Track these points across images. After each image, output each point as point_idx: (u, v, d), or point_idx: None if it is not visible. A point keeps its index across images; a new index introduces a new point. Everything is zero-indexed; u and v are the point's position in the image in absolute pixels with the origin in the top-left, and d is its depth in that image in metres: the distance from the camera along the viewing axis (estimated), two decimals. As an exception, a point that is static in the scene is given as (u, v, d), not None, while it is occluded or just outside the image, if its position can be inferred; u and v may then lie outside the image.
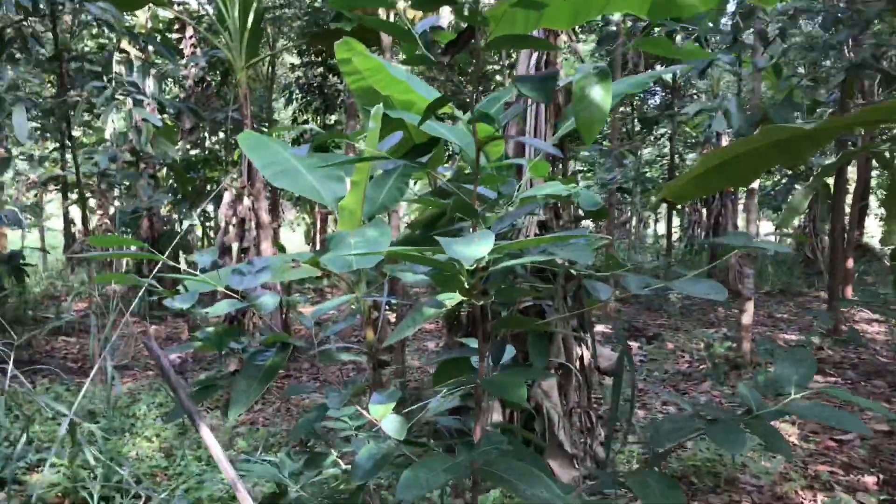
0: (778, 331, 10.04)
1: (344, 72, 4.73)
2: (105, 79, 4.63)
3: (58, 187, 11.81)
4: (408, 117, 4.30)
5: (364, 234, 3.77)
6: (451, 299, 1.82)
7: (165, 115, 11.34)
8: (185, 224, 9.57)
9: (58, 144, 11.44)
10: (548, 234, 4.51)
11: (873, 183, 18.29)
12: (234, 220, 6.88)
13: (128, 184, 9.05)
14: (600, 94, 2.20)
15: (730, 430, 1.68)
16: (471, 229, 1.88)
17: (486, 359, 1.75)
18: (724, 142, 14.37)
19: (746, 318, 7.34)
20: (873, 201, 18.46)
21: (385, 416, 1.77)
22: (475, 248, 1.18)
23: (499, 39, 1.76)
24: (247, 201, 6.77)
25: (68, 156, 8.94)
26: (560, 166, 4.91)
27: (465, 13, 1.73)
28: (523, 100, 4.58)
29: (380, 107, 4.17)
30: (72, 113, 4.85)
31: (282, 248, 6.72)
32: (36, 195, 18.75)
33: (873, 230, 22.70)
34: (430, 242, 2.55)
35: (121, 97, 4.56)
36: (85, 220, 9.14)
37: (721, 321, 10.69)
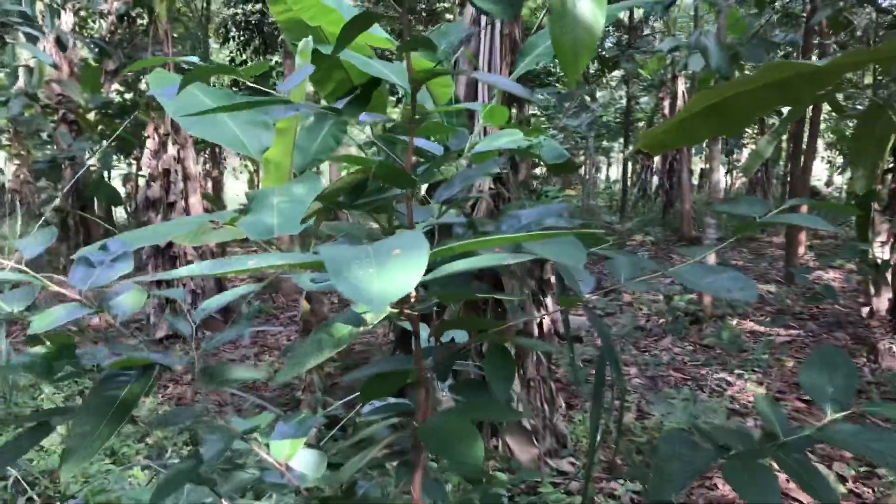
0: (734, 279, 9.86)
1: (270, 1, 4.12)
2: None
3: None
4: (346, 55, 3.74)
5: (290, 191, 3.24)
6: (374, 313, 1.35)
7: (87, 55, 10.40)
8: (112, 174, 8.82)
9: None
10: (504, 198, 4.05)
11: (822, 126, 18.25)
12: (159, 171, 6.24)
13: (44, 131, 8.25)
14: (590, 10, 1.65)
15: (754, 469, 1.26)
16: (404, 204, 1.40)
17: (428, 381, 1.29)
18: (680, 85, 14.01)
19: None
20: (820, 144, 18.47)
21: (292, 456, 1.31)
22: (394, 280, 0.66)
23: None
24: (172, 150, 6.13)
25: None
26: (516, 112, 4.42)
27: None
28: (474, 24, 4.04)
29: (308, 41, 3.59)
30: None
31: (214, 201, 6.13)
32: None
33: (818, 173, 22.88)
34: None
35: (3, 32, 3.89)
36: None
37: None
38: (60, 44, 4.57)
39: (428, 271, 0.96)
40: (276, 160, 3.58)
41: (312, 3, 3.35)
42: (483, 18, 3.90)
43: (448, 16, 14.16)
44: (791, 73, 2.37)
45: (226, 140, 3.86)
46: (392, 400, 1.60)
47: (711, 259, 7.00)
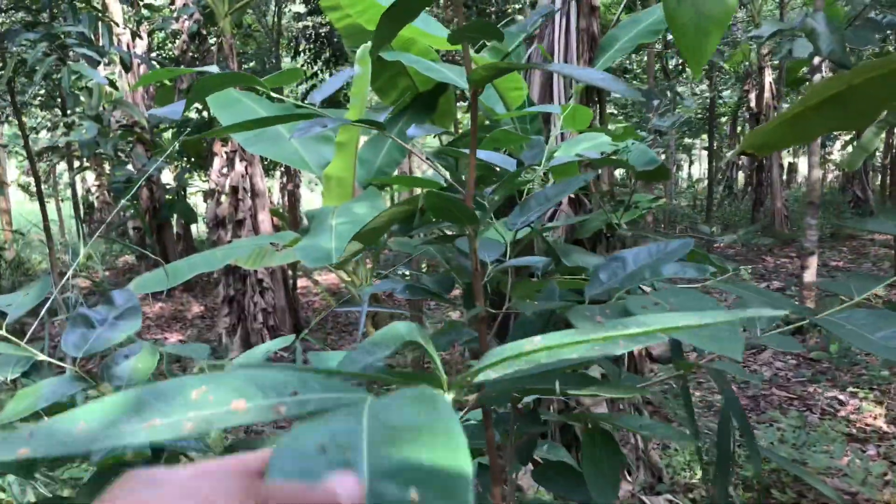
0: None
1: (326, 7, 3.89)
2: (42, 31, 3.86)
3: (58, 157, 11.15)
4: (407, 59, 3.47)
5: (350, 211, 2.97)
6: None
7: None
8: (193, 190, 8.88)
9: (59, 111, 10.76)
10: (585, 208, 3.68)
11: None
12: (227, 189, 6.14)
13: (119, 152, 8.33)
14: None
15: None
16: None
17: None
18: (768, 77, 13.22)
19: (809, 275, 6.47)
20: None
21: None
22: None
23: None
24: (239, 166, 6.01)
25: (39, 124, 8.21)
26: (594, 106, 4.05)
27: None
28: (548, 42, 3.70)
29: (366, 47, 3.34)
30: (10, 74, 4.12)
31: (283, 217, 5.99)
32: (48, 165, 18.25)
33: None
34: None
35: (62, 53, 3.80)
36: (74, 192, 8.49)
37: (771, 274, 9.79)
38: (125, 66, 4.50)
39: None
40: (337, 175, 3.34)
41: (369, 5, 3.08)
42: (557, 11, 3.56)
43: (520, 17, 13.80)
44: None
45: (285, 157, 3.65)
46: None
47: (813, 265, 6.43)
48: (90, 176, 14.84)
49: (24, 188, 19.76)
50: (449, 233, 1.47)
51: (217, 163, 6.04)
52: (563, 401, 3.02)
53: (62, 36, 3.56)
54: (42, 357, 1.08)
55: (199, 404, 0.41)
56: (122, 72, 7.40)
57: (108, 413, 0.39)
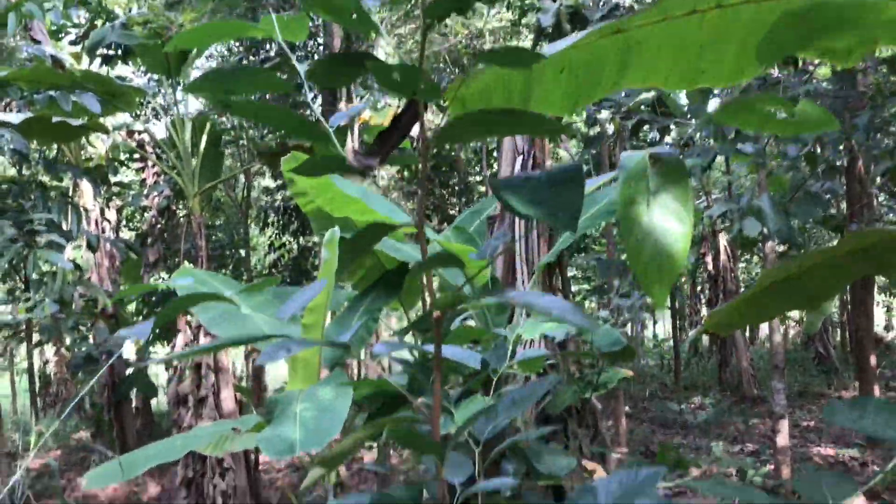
0: (809, 443, 9.05)
1: (293, 193, 4.02)
2: (12, 217, 3.94)
3: (11, 333, 10.94)
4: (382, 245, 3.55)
5: (315, 396, 2.91)
6: None
7: (130, 251, 10.63)
8: (149, 366, 8.70)
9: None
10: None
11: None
12: (190, 365, 6.02)
13: (81, 326, 8.22)
14: (675, 217, 1.17)
15: None
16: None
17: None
18: (722, 240, 13.78)
19: (782, 440, 6.40)
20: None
21: None
22: None
23: (464, 120, 1.00)
24: (203, 342, 5.92)
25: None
26: (556, 281, 4.14)
27: (410, 80, 0.99)
28: (509, 222, 3.85)
29: (334, 231, 3.42)
30: None
31: (247, 395, 5.84)
32: (5, 338, 17.85)
33: (877, 318, 21.94)
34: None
35: (28, 238, 3.86)
36: (30, 368, 8.26)
37: (744, 436, 9.69)
38: (91, 247, 4.54)
39: None
40: (303, 357, 3.29)
41: (335, 195, 3.20)
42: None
43: (481, 188, 14.40)
44: (876, 238, 2.05)
45: (250, 338, 3.59)
46: None
47: (784, 429, 6.39)
48: (48, 350, 14.53)
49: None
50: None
51: (181, 339, 5.96)
52: None
53: (31, 222, 3.62)
54: None
55: None
56: (88, 251, 7.47)
57: None
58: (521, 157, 3.73)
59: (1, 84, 3.84)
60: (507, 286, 3.80)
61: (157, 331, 10.26)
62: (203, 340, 6.04)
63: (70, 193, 6.75)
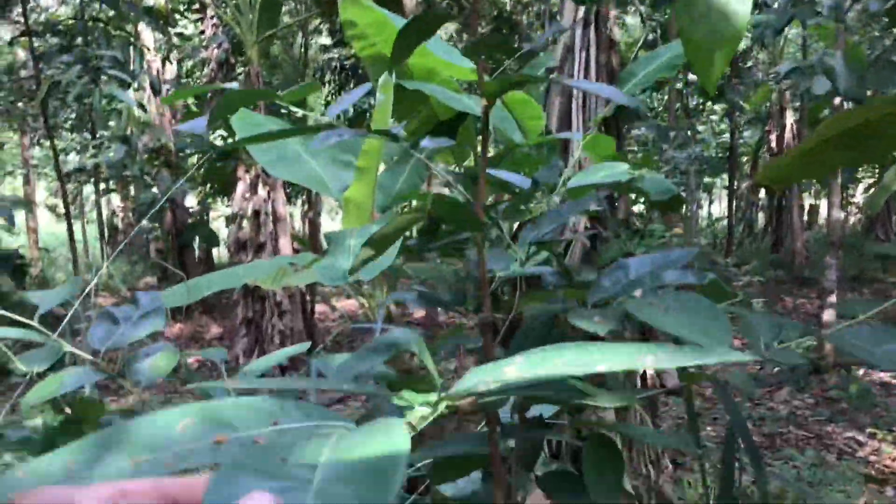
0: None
1: (350, 36, 3.98)
2: (78, 55, 4.02)
3: (85, 178, 11.38)
4: (427, 89, 3.55)
5: (368, 233, 3.04)
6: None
7: (192, 101, 10.77)
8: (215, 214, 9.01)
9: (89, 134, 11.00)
10: (602, 238, 3.71)
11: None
12: (249, 213, 6.24)
13: (145, 175, 8.51)
14: None
15: None
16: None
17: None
18: (789, 117, 13.25)
19: (828, 314, 6.42)
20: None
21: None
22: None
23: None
24: (262, 191, 6.11)
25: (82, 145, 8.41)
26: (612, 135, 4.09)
27: None
28: (567, 52, 3.77)
29: (388, 75, 3.43)
30: (43, 95, 4.28)
31: (303, 242, 6.07)
32: (75, 187, 18.58)
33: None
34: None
35: (94, 76, 3.95)
36: (100, 213, 8.64)
37: (791, 313, 9.72)
38: (154, 90, 4.63)
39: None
40: (356, 200, 3.39)
41: (392, 33, 3.17)
42: (577, 46, 3.64)
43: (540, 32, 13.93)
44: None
45: (307, 180, 3.70)
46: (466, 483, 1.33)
47: (832, 303, 6.39)
48: (115, 198, 15.11)
49: (51, 209, 20.14)
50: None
51: (240, 188, 6.15)
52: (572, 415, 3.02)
53: (95, 59, 3.68)
54: (69, 348, 1.13)
55: (184, 439, 0.44)
56: (152, 97, 7.59)
57: (91, 450, 0.43)
58: (582, 22, 3.61)
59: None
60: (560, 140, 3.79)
61: (217, 185, 10.50)
62: (261, 191, 6.22)
63: (132, 38, 6.79)
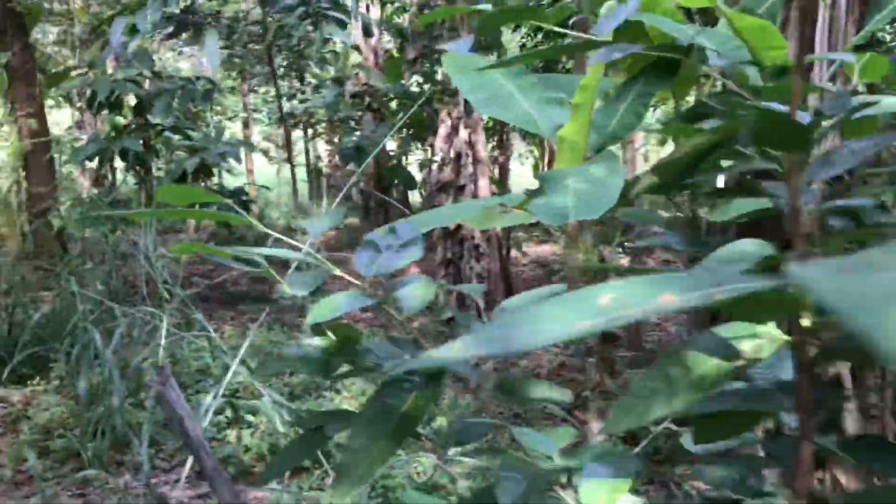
0: None
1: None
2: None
3: (295, 122, 12.12)
4: (649, 19, 3.31)
5: (587, 173, 2.90)
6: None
7: (391, 44, 11.01)
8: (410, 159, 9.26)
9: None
10: None
11: None
12: (450, 155, 6.31)
13: (353, 119, 8.88)
14: None
15: None
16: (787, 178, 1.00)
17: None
18: None
19: None
20: None
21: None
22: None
23: None
24: (463, 133, 6.15)
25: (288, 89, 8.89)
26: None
27: None
28: None
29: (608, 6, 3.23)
30: (270, 39, 4.54)
31: (499, 185, 6.06)
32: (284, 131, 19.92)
33: None
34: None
35: (314, 18, 4.11)
36: (309, 156, 9.15)
37: None
38: (367, 32, 4.76)
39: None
40: (570, 139, 3.25)
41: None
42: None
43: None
44: None
45: (518, 119, 3.61)
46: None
47: None
48: (321, 145, 16.02)
49: (265, 153, 21.80)
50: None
51: (442, 130, 6.23)
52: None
53: (316, 1, 3.85)
54: (339, 272, 1.15)
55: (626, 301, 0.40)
56: (361, 40, 7.83)
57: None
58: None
59: None
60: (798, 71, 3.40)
61: (414, 129, 10.74)
62: (462, 132, 6.26)
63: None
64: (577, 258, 3.92)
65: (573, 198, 2.58)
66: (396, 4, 10.16)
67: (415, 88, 11.00)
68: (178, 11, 4.09)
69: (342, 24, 4.20)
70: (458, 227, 6.33)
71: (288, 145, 9.45)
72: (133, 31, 3.92)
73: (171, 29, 4.44)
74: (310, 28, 4.09)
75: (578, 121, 3.22)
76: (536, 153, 16.18)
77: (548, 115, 3.61)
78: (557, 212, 2.55)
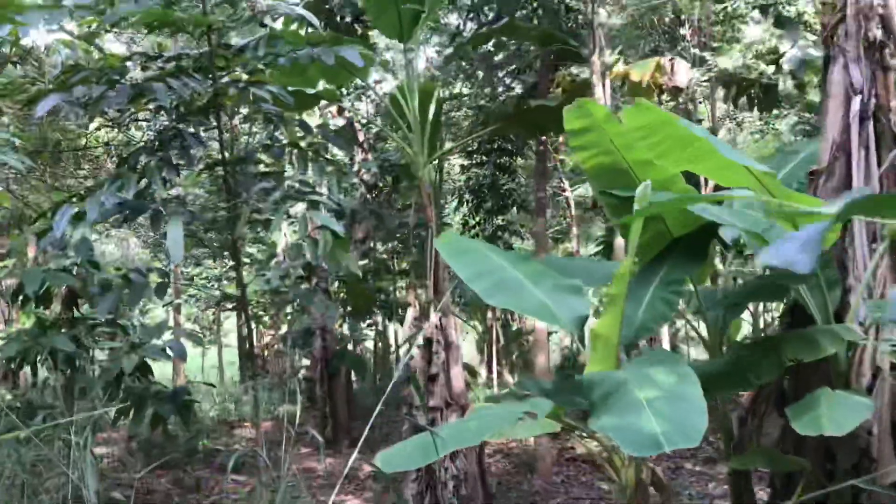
0: None
1: (574, 146, 3.54)
2: (273, 181, 3.88)
3: (233, 306, 11.47)
4: (690, 204, 2.99)
5: (651, 380, 2.42)
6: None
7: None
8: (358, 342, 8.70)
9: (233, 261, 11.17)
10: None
11: None
12: (419, 341, 5.80)
13: (298, 301, 8.35)
14: None
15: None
16: None
17: None
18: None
19: None
20: None
21: None
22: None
23: None
24: (434, 318, 5.68)
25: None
26: None
27: None
28: (843, 174, 3.14)
29: (646, 185, 2.92)
30: (238, 223, 4.14)
31: (472, 373, 5.54)
32: (213, 314, 19.08)
33: None
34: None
35: (292, 201, 3.77)
36: (251, 341, 8.51)
37: None
38: (339, 212, 4.42)
39: None
40: (605, 334, 2.82)
41: (670, 134, 2.67)
42: (854, 143, 3.02)
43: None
44: None
45: (534, 311, 3.19)
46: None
47: None
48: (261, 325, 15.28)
49: (190, 335, 20.74)
50: None
51: (410, 313, 5.76)
52: None
53: (294, 185, 3.52)
54: None
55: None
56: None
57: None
58: (860, 96, 3.02)
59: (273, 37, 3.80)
60: (838, 252, 3.12)
61: (356, 309, 10.21)
62: (433, 316, 5.80)
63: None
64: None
65: (658, 420, 1.99)
66: (343, 185, 10.03)
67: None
68: (130, 197, 3.62)
69: (316, 207, 3.85)
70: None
71: (218, 328, 8.85)
72: (79, 218, 3.41)
73: (121, 216, 3.96)
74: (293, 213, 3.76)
75: (612, 313, 2.72)
76: (479, 328, 15.70)
77: (567, 305, 3.09)
78: (647, 440, 1.94)
